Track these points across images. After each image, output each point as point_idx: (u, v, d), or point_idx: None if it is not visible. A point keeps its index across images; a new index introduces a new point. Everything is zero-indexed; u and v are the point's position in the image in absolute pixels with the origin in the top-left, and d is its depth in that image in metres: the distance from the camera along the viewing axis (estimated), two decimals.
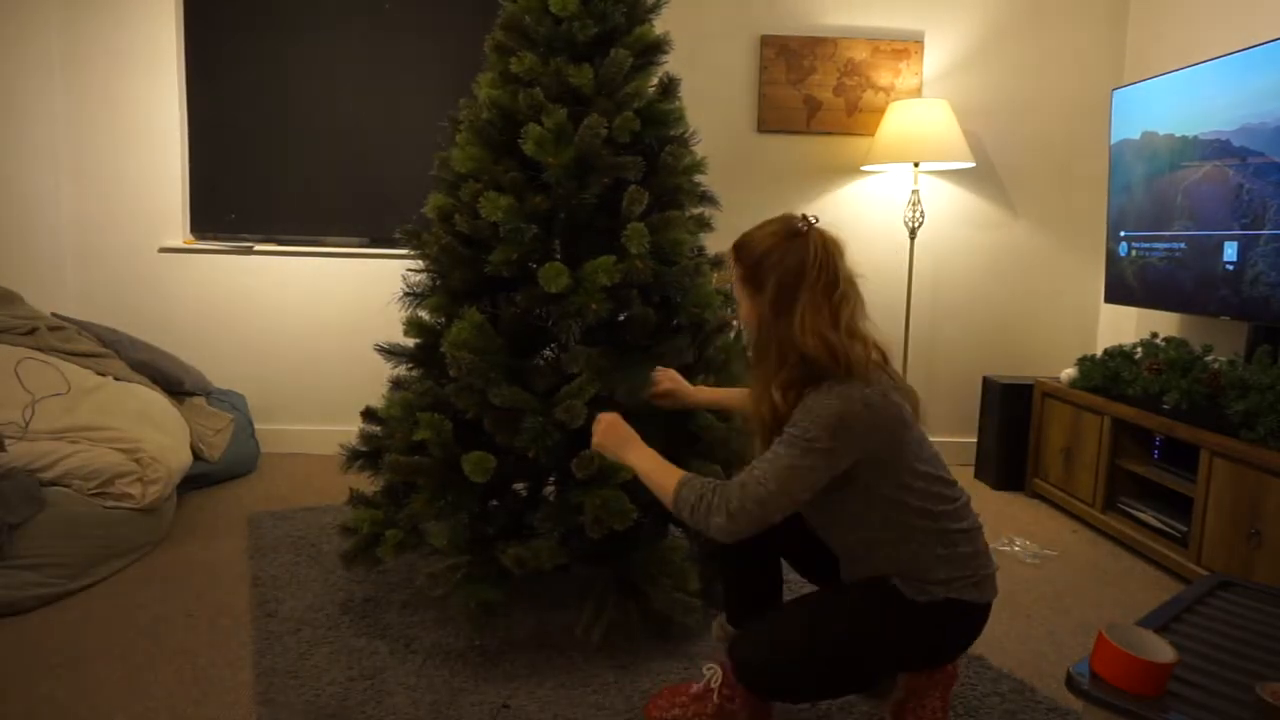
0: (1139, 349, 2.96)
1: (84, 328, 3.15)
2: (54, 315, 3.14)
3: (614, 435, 1.59)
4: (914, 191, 3.48)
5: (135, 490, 2.45)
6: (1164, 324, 3.26)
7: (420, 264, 2.18)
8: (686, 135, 2.17)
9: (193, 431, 2.99)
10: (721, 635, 1.73)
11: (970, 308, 3.75)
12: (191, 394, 3.26)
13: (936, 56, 3.62)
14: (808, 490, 1.37)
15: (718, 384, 2.06)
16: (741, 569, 1.68)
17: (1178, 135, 2.85)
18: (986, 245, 3.72)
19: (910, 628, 1.45)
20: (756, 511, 1.36)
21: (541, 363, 2.06)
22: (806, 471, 1.34)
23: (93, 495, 2.36)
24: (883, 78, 3.60)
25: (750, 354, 1.50)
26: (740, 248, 1.53)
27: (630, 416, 1.65)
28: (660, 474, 1.49)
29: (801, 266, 1.44)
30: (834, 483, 1.38)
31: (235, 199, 3.67)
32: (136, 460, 2.51)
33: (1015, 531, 2.91)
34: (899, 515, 1.43)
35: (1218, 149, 2.67)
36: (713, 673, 1.62)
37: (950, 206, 3.69)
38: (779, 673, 1.42)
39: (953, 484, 1.50)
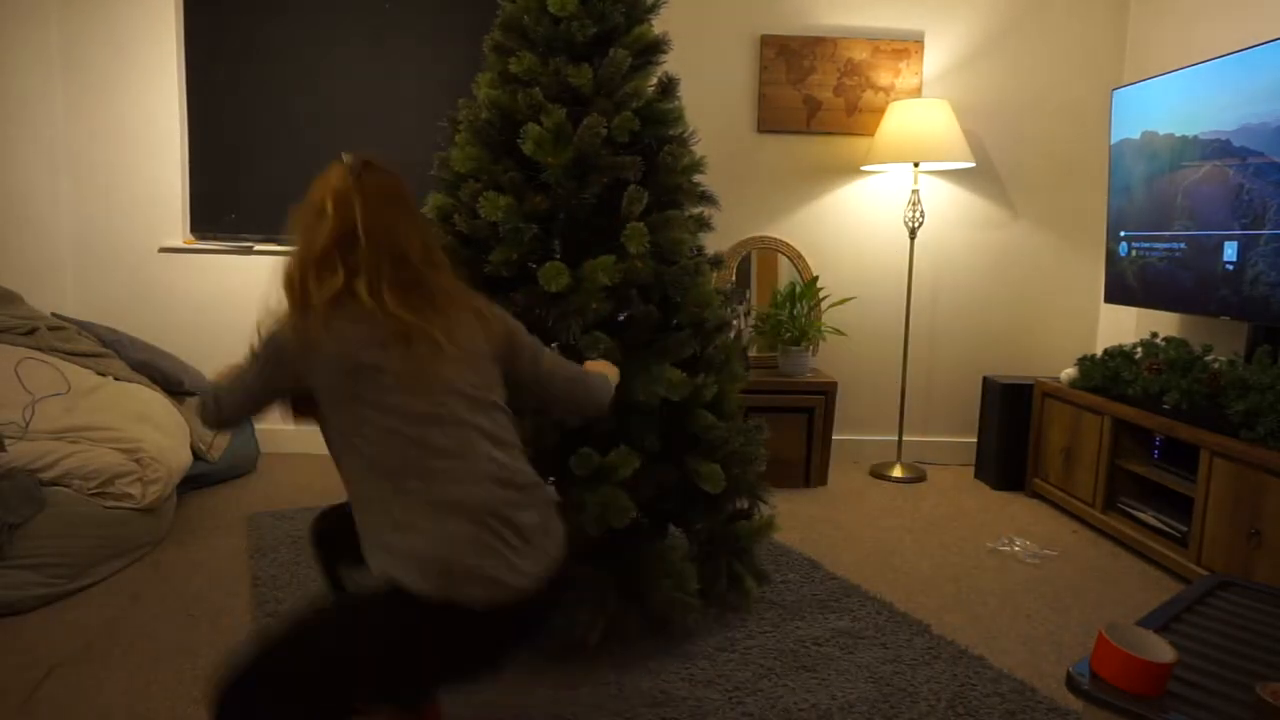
0: (1139, 349, 2.96)
1: (84, 328, 3.15)
2: (54, 315, 3.15)
3: None
4: (914, 191, 3.48)
5: (135, 490, 2.44)
6: (1164, 324, 3.26)
7: None
8: (686, 135, 2.16)
9: (192, 431, 2.99)
10: None
11: (970, 308, 3.75)
12: (191, 393, 3.26)
13: (936, 56, 3.62)
14: (259, 381, 1.37)
15: (718, 383, 2.06)
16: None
17: (1178, 135, 2.85)
18: (986, 245, 3.72)
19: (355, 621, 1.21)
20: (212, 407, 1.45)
21: None
22: (256, 370, 1.38)
23: (93, 495, 2.36)
24: (883, 78, 3.60)
25: None
26: None
27: (638, 413, 1.64)
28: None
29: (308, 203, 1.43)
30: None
31: (235, 199, 3.67)
32: (136, 460, 2.50)
33: (1015, 531, 2.91)
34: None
35: (1218, 149, 2.67)
36: None
37: (950, 206, 3.69)
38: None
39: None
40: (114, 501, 2.39)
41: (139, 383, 3.00)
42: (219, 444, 3.15)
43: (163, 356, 3.28)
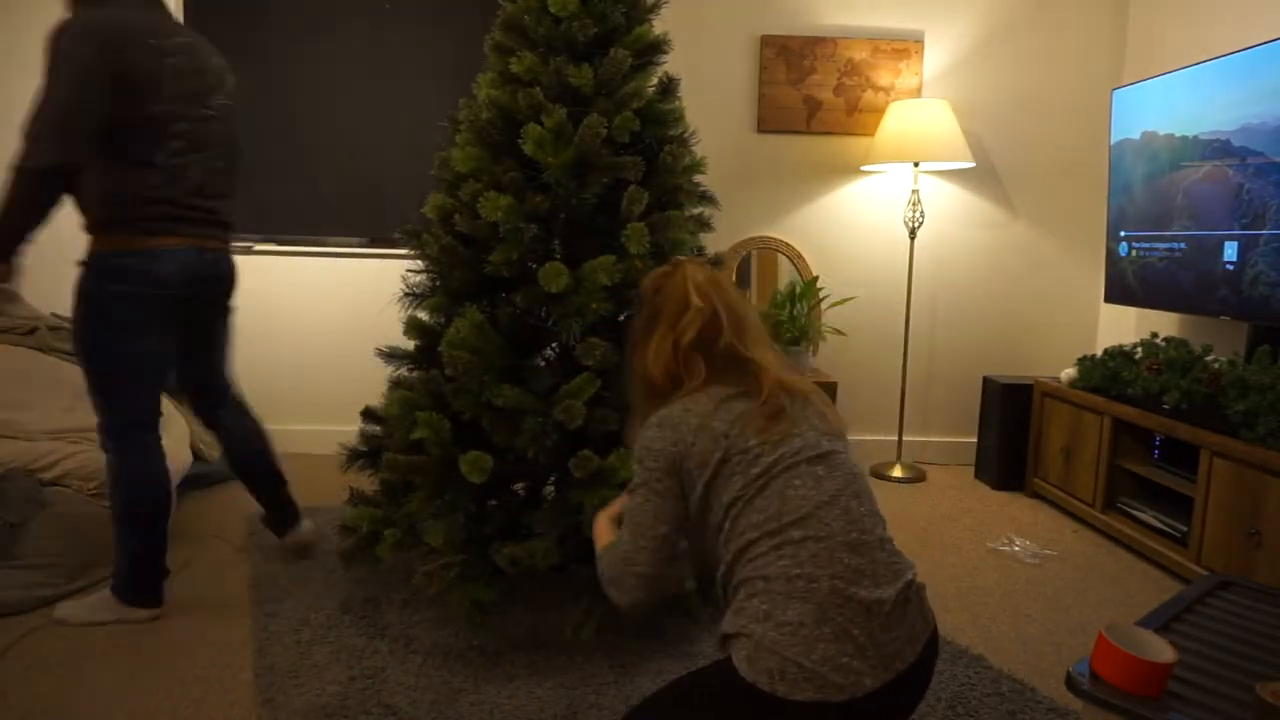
0: (1139, 349, 2.96)
1: None
2: (54, 315, 3.14)
3: (597, 530, 1.53)
4: (914, 191, 3.48)
5: None
6: (1164, 324, 3.26)
7: (420, 264, 2.18)
8: (686, 135, 2.17)
9: (192, 432, 2.98)
10: None
11: (970, 308, 3.75)
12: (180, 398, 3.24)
13: (936, 56, 3.62)
14: (661, 523, 1.30)
15: None
16: None
17: (1178, 135, 2.85)
18: (986, 245, 3.72)
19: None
20: (625, 574, 1.31)
21: (541, 363, 2.06)
22: (642, 506, 1.32)
23: (92, 495, 2.36)
24: (883, 78, 3.60)
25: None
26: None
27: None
28: (598, 559, 1.43)
29: (659, 301, 1.45)
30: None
31: (235, 199, 3.66)
32: None
33: (1015, 531, 2.91)
34: (714, 543, 1.29)
35: (1218, 149, 2.67)
36: None
37: (950, 206, 3.69)
38: None
39: (787, 528, 1.21)
40: (101, 505, 2.32)
41: None
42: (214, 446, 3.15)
43: None
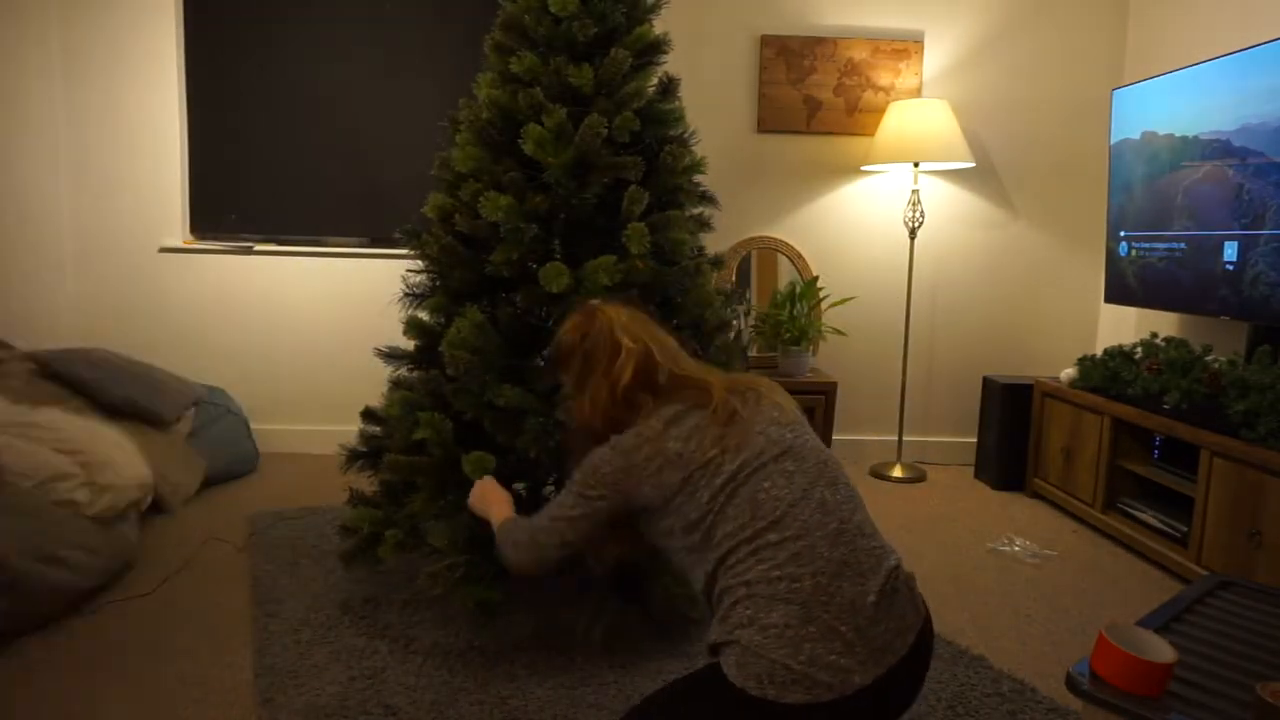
0: (1139, 349, 2.96)
1: (62, 365, 2.91)
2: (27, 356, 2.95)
3: (479, 495, 1.69)
4: (914, 191, 3.48)
5: (81, 496, 2.21)
6: (1164, 324, 3.26)
7: (420, 264, 2.18)
8: (686, 135, 2.16)
9: (159, 477, 2.80)
10: None
11: (970, 308, 3.75)
12: (175, 421, 3.10)
13: (936, 56, 3.62)
14: (571, 531, 1.39)
15: None
16: None
17: (1178, 135, 2.85)
18: (986, 245, 3.72)
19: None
20: (530, 546, 1.44)
21: (542, 363, 2.06)
22: (566, 510, 1.39)
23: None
24: (883, 78, 3.60)
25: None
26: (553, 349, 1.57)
27: None
28: (501, 522, 1.56)
29: (588, 347, 1.46)
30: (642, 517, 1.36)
31: (235, 199, 3.67)
32: (81, 464, 2.28)
33: (1015, 531, 2.91)
34: (689, 554, 1.31)
35: (1218, 149, 2.67)
36: None
37: (950, 206, 3.69)
38: None
39: (772, 525, 1.21)
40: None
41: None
42: (186, 485, 2.98)
43: (146, 390, 3.04)
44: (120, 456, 2.54)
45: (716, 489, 1.26)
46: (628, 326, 1.45)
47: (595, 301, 1.54)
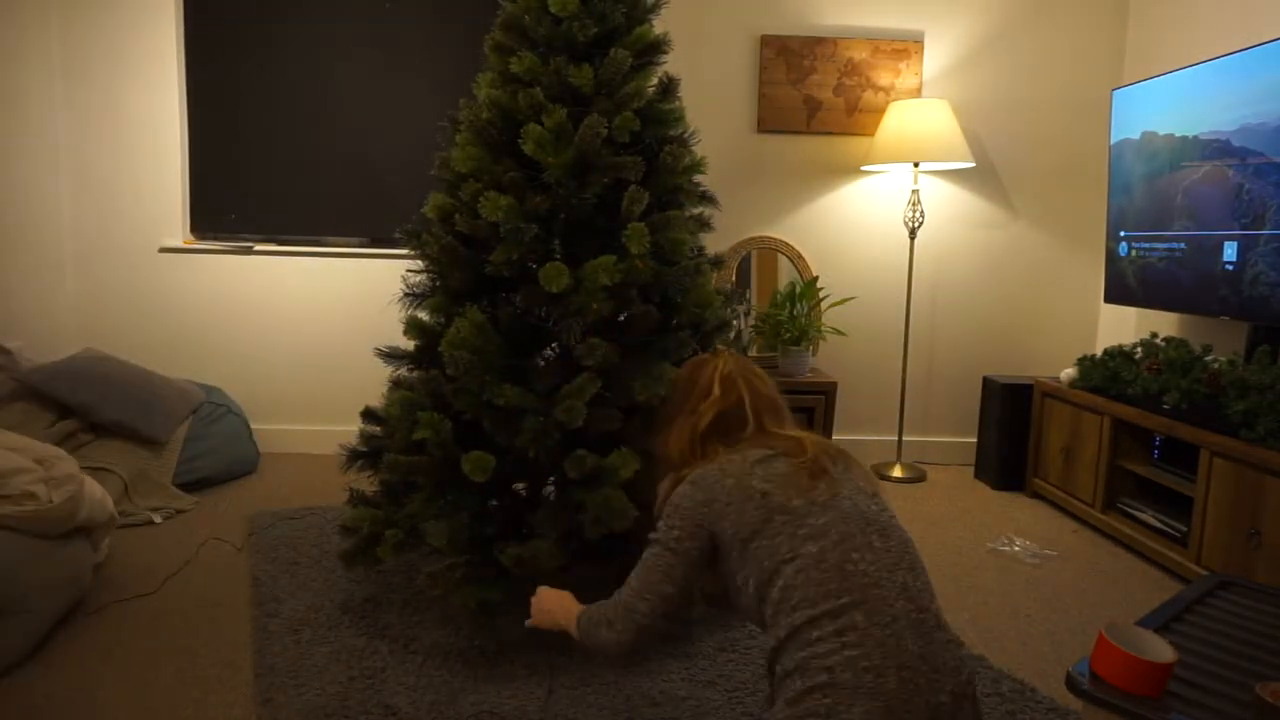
0: (1139, 349, 2.96)
1: (50, 385, 2.88)
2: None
3: (539, 609, 1.56)
4: (914, 191, 3.48)
5: (39, 490, 2.00)
6: (1164, 324, 3.26)
7: (420, 264, 2.18)
8: (686, 135, 2.16)
9: (128, 484, 2.79)
10: None
11: (970, 308, 3.75)
12: (166, 442, 3.05)
13: (936, 56, 3.62)
14: (667, 582, 1.32)
15: None
16: None
17: (1178, 135, 2.85)
18: (986, 245, 3.72)
19: None
20: (626, 616, 1.34)
21: (542, 363, 2.06)
22: (655, 561, 1.34)
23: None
24: (883, 78, 3.60)
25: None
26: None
27: (639, 414, 1.64)
28: (577, 618, 1.45)
29: (686, 387, 1.54)
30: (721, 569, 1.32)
31: (235, 199, 3.67)
32: (36, 460, 2.09)
33: (1015, 531, 2.91)
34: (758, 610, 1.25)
35: (1217, 149, 2.67)
36: None
37: (950, 206, 3.69)
38: None
39: (826, 598, 1.18)
40: (13, 506, 1.93)
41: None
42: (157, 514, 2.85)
43: (138, 411, 3.00)
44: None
45: (798, 541, 1.21)
46: (728, 376, 1.48)
47: (721, 348, 1.59)
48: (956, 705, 1.14)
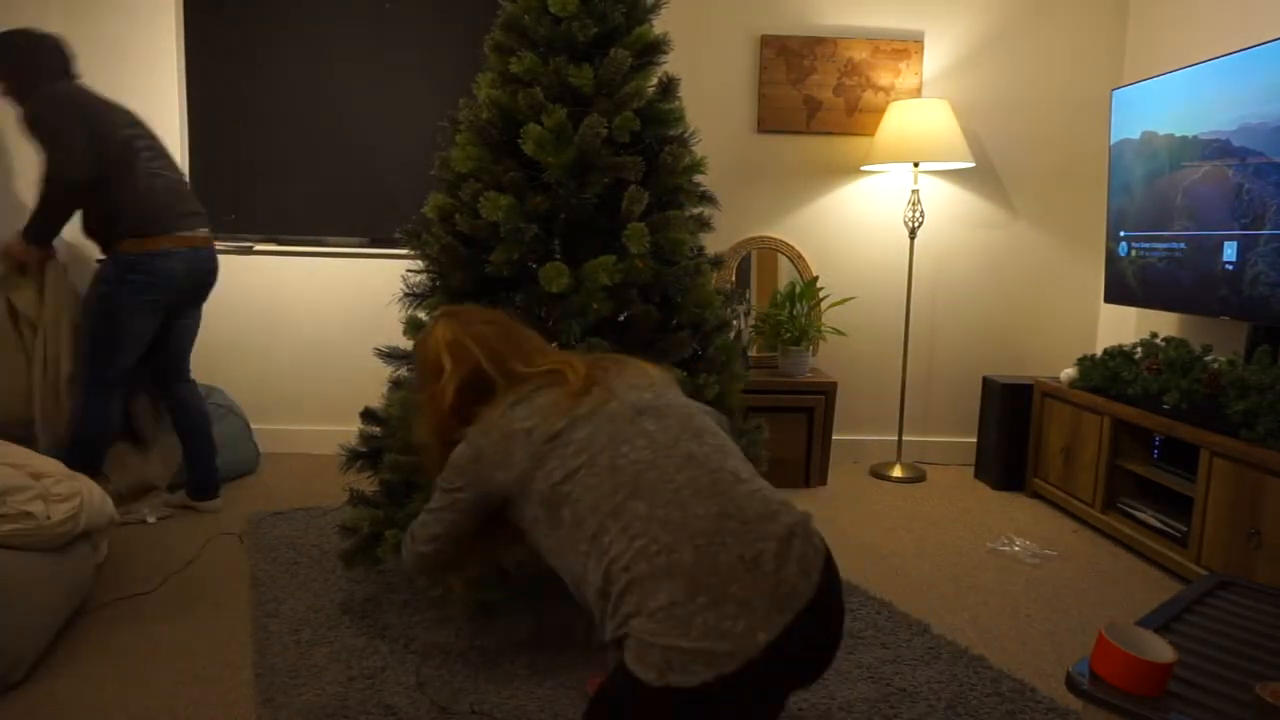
0: (1139, 349, 2.96)
1: None
2: None
3: None
4: (914, 191, 3.48)
5: (36, 508, 1.93)
6: (1164, 324, 3.26)
7: (420, 264, 2.18)
8: (686, 135, 2.17)
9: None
10: None
11: (970, 308, 3.75)
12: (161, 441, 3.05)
13: (936, 56, 3.62)
14: (439, 526, 1.40)
15: (718, 383, 2.06)
16: None
17: (1178, 135, 2.85)
18: (986, 245, 3.72)
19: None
20: (408, 540, 1.47)
21: None
22: (433, 507, 1.41)
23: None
24: (883, 78, 3.60)
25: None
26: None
27: None
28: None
29: (419, 365, 1.52)
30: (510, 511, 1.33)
31: (235, 199, 3.67)
32: (31, 475, 2.01)
33: (1015, 531, 2.91)
34: (562, 533, 1.21)
35: (1217, 149, 2.67)
36: None
37: (950, 206, 3.69)
38: None
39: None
40: (11, 525, 1.87)
41: None
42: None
43: (141, 412, 3.03)
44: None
45: (569, 459, 1.19)
46: (454, 342, 1.42)
47: (438, 313, 1.53)
48: (784, 546, 1.10)
